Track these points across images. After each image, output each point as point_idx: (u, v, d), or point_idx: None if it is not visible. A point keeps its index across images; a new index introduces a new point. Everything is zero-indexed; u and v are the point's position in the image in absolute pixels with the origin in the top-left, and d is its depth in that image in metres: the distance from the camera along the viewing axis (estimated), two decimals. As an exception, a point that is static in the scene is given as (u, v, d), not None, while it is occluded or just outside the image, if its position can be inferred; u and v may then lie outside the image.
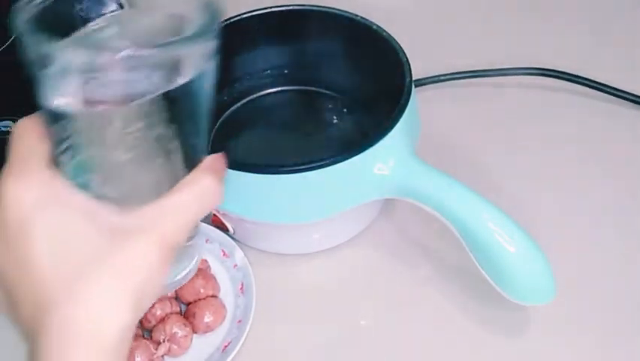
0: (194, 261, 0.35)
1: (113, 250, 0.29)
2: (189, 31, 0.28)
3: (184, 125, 0.30)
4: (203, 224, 0.52)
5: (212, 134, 0.53)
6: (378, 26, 0.52)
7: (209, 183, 0.31)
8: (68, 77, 0.28)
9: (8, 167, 0.30)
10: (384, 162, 0.45)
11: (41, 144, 0.31)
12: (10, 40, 0.67)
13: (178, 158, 0.31)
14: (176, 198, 0.30)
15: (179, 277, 0.35)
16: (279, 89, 0.59)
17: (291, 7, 0.55)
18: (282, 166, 0.44)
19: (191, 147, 0.32)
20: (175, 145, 0.30)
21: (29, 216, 0.29)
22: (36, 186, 0.29)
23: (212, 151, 0.33)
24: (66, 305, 0.28)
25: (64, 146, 0.30)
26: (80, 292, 0.28)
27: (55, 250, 0.29)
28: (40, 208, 0.29)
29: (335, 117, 0.58)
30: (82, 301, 0.28)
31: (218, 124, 0.56)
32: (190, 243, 0.35)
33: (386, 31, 0.52)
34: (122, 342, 0.28)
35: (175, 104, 0.29)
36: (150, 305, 0.30)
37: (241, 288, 0.50)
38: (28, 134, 0.31)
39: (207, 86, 0.31)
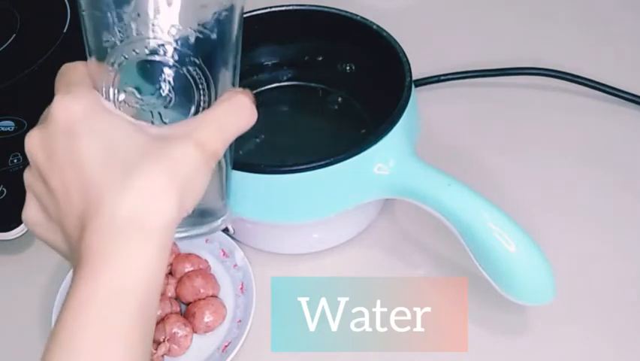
0: (224, 216, 0.39)
1: (159, 150, 0.31)
2: None
3: (218, 56, 0.35)
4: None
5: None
6: (378, 26, 0.52)
7: (244, 100, 0.35)
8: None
9: (57, 92, 0.32)
10: (385, 162, 0.45)
11: (87, 77, 0.34)
12: (11, 39, 0.67)
13: (213, 92, 0.35)
14: (215, 110, 0.34)
15: (214, 225, 0.37)
16: (278, 85, 0.59)
17: (290, 7, 0.55)
18: (282, 166, 0.44)
19: (223, 79, 0.35)
20: (209, 79, 0.34)
21: (78, 120, 0.31)
22: (85, 100, 0.32)
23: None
24: (117, 198, 0.30)
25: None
26: (130, 186, 0.30)
27: (104, 150, 0.31)
28: (89, 114, 0.31)
29: (335, 117, 0.58)
30: (132, 195, 0.30)
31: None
32: (221, 168, 0.37)
33: (386, 31, 0.52)
34: (166, 235, 0.30)
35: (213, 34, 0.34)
36: (192, 206, 0.32)
37: (241, 288, 0.50)
38: (73, 69, 0.34)
39: (238, 21, 0.35)
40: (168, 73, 0.34)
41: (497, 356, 0.47)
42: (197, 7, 0.33)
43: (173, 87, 0.34)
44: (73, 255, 0.31)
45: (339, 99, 0.58)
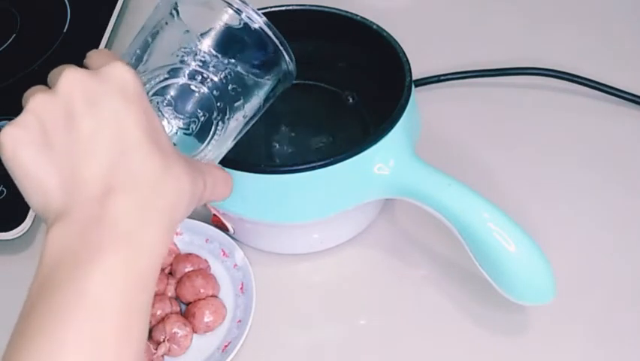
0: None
1: (186, 164, 0.33)
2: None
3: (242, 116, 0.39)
4: (204, 224, 0.53)
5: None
6: (378, 26, 0.52)
7: (231, 181, 0.39)
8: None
9: (102, 62, 0.33)
10: (385, 161, 0.45)
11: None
12: (11, 39, 0.67)
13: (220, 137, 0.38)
14: (219, 173, 0.37)
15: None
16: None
17: (290, 7, 0.55)
18: (282, 166, 0.44)
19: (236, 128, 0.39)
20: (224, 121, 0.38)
21: (132, 89, 0.32)
22: (138, 77, 0.32)
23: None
24: (162, 185, 0.31)
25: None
26: (169, 181, 0.31)
27: (149, 132, 0.31)
28: (140, 91, 0.32)
29: (334, 117, 0.58)
30: (171, 189, 0.31)
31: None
32: None
33: (386, 31, 0.52)
34: (173, 235, 0.33)
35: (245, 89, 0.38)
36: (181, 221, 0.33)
37: (241, 288, 0.50)
38: (113, 53, 0.35)
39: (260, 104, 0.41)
40: (203, 106, 0.36)
41: (497, 356, 0.47)
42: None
43: (201, 121, 0.37)
44: (71, 202, 0.30)
45: (339, 99, 0.58)
